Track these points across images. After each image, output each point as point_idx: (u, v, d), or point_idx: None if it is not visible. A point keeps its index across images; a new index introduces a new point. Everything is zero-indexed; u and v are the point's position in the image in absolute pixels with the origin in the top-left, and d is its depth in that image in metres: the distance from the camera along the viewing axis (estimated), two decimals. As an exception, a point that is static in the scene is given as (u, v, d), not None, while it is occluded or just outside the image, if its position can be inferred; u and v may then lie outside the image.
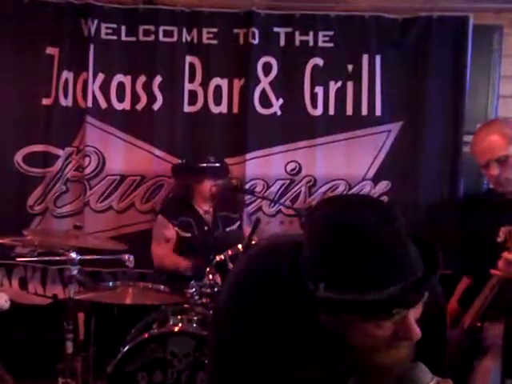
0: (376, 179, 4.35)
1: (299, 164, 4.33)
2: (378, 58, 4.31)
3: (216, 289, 3.25)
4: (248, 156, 4.27)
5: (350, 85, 4.32)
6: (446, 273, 3.07)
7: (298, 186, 4.34)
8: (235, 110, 4.31)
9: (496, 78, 4.44)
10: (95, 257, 3.47)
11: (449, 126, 4.33)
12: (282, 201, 4.31)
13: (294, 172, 4.34)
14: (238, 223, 4.07)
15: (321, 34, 4.28)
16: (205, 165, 3.93)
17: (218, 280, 3.29)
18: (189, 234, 3.91)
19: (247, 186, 4.27)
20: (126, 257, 3.40)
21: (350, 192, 4.33)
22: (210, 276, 3.27)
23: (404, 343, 1.32)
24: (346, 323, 1.28)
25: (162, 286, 3.56)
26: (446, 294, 3.03)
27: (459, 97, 4.32)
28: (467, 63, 4.31)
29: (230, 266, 3.23)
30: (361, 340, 1.30)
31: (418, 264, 1.30)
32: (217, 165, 3.96)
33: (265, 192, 4.31)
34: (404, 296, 1.26)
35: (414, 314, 1.31)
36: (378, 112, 4.32)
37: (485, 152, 2.65)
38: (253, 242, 3.40)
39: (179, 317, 3.30)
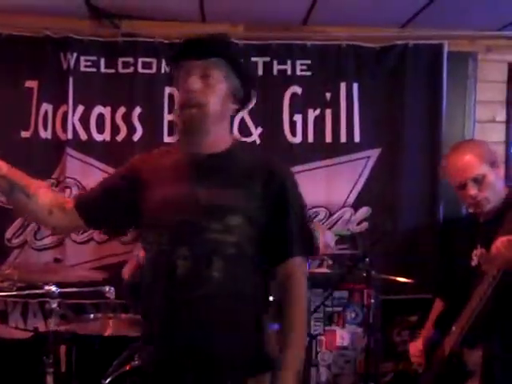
0: (356, 205, 4.39)
1: (280, 192, 4.34)
2: (355, 86, 4.38)
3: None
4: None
5: (328, 112, 4.37)
6: (426, 297, 3.12)
7: (279, 214, 4.35)
8: (215, 139, 4.32)
9: (472, 103, 4.52)
10: (75, 290, 3.45)
11: (426, 151, 4.38)
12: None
13: (277, 201, 4.34)
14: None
15: (298, 62, 4.34)
16: None
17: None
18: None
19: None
20: (107, 288, 3.39)
21: (331, 219, 4.37)
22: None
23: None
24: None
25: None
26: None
27: (436, 122, 4.39)
28: (443, 89, 4.39)
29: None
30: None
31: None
32: None
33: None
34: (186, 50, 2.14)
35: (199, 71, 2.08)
36: (357, 139, 4.38)
37: (460, 172, 2.63)
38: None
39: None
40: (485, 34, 4.52)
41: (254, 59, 4.32)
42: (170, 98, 4.30)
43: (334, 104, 4.37)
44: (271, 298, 3.35)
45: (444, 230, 4.27)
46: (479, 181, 2.60)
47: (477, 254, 2.68)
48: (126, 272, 3.86)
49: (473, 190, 2.60)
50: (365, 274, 3.56)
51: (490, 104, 4.59)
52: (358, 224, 4.40)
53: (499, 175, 2.68)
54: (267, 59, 4.33)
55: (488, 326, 2.53)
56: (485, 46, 4.56)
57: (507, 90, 4.59)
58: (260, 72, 4.34)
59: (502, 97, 4.61)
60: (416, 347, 2.97)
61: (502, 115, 4.61)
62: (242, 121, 4.32)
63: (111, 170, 4.24)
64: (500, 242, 2.35)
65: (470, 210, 2.84)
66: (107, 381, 3.11)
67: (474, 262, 2.68)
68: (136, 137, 4.28)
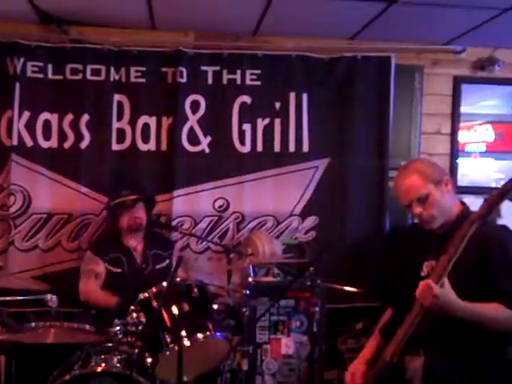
0: (304, 215, 4.43)
1: (227, 201, 4.37)
2: (304, 96, 4.43)
3: (140, 327, 3.21)
4: (176, 193, 4.29)
5: (277, 122, 4.41)
6: (372, 305, 3.15)
7: (226, 223, 4.38)
8: (163, 147, 4.34)
9: (418, 115, 4.60)
10: (15, 298, 3.39)
11: (374, 161, 4.45)
12: (210, 237, 4.34)
13: (222, 209, 4.38)
14: (168, 261, 4.05)
15: (248, 72, 4.38)
16: (118, 200, 3.93)
17: (143, 318, 3.24)
18: (119, 270, 3.88)
19: (174, 223, 4.28)
20: (49, 297, 3.33)
21: (278, 228, 4.40)
22: (134, 314, 3.23)
23: None
24: None
25: (88, 326, 3.48)
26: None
27: (383, 133, 4.47)
28: (390, 101, 4.47)
29: (155, 303, 3.21)
30: None
31: None
32: (129, 197, 3.95)
33: (192, 229, 4.33)
34: None
35: None
36: (306, 148, 4.42)
37: (405, 192, 2.66)
38: (177, 279, 3.41)
39: (102, 356, 3.26)
40: (431, 48, 4.62)
41: (203, 68, 4.35)
42: (118, 105, 4.29)
43: (283, 114, 4.41)
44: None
45: (391, 239, 4.33)
46: (423, 200, 2.63)
47: (427, 266, 2.73)
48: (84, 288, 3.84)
49: (417, 209, 2.64)
50: (309, 283, 3.58)
51: (436, 116, 4.69)
52: (306, 233, 4.44)
53: (447, 192, 2.70)
54: (217, 68, 4.35)
55: (429, 333, 2.56)
56: (431, 60, 4.67)
57: (452, 103, 4.69)
58: (210, 81, 4.36)
59: (448, 110, 4.71)
60: (350, 374, 2.97)
61: (447, 127, 4.71)
62: (191, 129, 4.33)
63: (58, 178, 4.24)
64: (420, 288, 2.41)
65: (421, 226, 2.88)
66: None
67: (423, 273, 2.72)
68: (83, 144, 4.25)
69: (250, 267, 3.85)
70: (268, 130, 4.40)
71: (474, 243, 2.36)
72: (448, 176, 2.71)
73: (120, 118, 4.29)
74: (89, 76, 4.24)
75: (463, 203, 2.76)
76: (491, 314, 2.43)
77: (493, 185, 4.82)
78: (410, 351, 2.61)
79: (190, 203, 4.33)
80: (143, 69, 4.29)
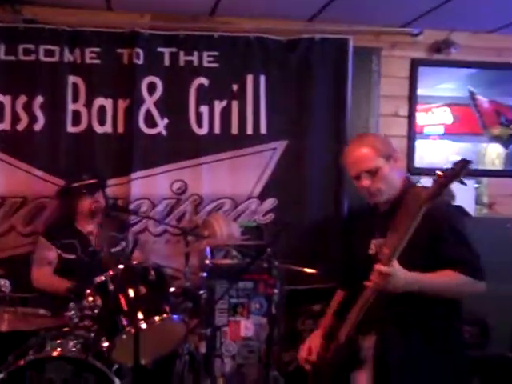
0: (262, 197, 4.43)
1: (185, 183, 4.35)
2: (262, 78, 4.41)
3: (96, 311, 3.18)
4: (133, 176, 4.26)
5: (234, 104, 4.39)
6: (331, 287, 3.18)
7: (183, 205, 4.37)
8: (120, 129, 4.29)
9: (376, 97, 4.62)
10: (-33, 283, 3.33)
11: (332, 143, 4.45)
12: (168, 220, 4.32)
13: (180, 191, 4.36)
14: (124, 243, 4.02)
15: (205, 54, 4.34)
16: (78, 184, 3.88)
17: (99, 302, 3.21)
18: (73, 256, 3.83)
19: (132, 206, 4.25)
20: (2, 282, 3.28)
21: (237, 210, 4.39)
22: (90, 298, 3.20)
23: None
24: None
25: (43, 310, 3.45)
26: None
27: (341, 116, 4.48)
28: (348, 83, 4.48)
29: (111, 287, 3.18)
30: None
31: None
32: (91, 181, 3.90)
33: (150, 212, 4.30)
34: None
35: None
36: (263, 130, 4.42)
37: (356, 164, 2.69)
38: (134, 262, 3.39)
39: (58, 341, 3.24)
40: (389, 30, 4.64)
41: (160, 49, 4.30)
42: (73, 86, 4.22)
43: (241, 96, 4.39)
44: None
45: (348, 220, 4.36)
46: (373, 173, 2.66)
47: (375, 243, 2.76)
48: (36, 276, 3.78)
49: (366, 182, 2.67)
50: (267, 265, 3.58)
51: (393, 99, 4.71)
52: (264, 215, 4.45)
53: (395, 168, 2.75)
54: (174, 50, 4.31)
55: (381, 313, 2.59)
56: (389, 42, 4.69)
57: (409, 85, 4.72)
58: (166, 63, 4.31)
59: (405, 92, 4.73)
60: (304, 350, 2.98)
61: (404, 110, 4.74)
62: (148, 112, 4.29)
63: (11, 160, 4.17)
64: (373, 277, 2.44)
65: (367, 200, 2.90)
66: (1, 376, 3.03)
67: (372, 251, 2.75)
68: (37, 126, 4.18)
69: (208, 249, 3.84)
70: (225, 112, 4.37)
71: (423, 221, 2.38)
72: (398, 153, 2.77)
73: (75, 99, 4.23)
74: (42, 57, 4.16)
75: (407, 178, 2.81)
76: (447, 281, 2.49)
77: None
78: (363, 331, 2.65)
79: (148, 186, 4.29)
80: (98, 50, 4.23)
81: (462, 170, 2.31)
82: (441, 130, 4.88)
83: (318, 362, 2.88)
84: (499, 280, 3.98)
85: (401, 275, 2.40)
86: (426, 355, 2.56)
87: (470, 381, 3.82)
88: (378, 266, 2.42)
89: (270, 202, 4.44)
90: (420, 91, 4.74)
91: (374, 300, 2.55)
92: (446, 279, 2.50)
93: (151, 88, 4.27)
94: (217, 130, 4.37)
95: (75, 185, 3.89)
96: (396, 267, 2.39)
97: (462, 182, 2.33)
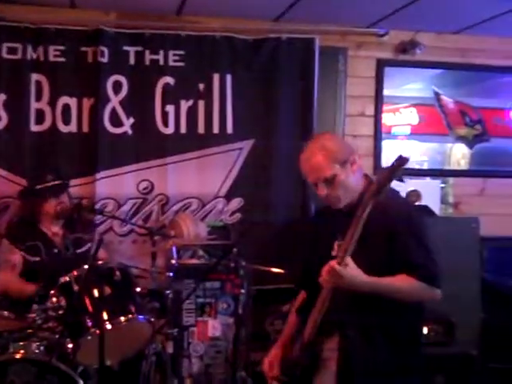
0: (229, 197, 4.43)
1: (151, 183, 4.32)
2: (228, 78, 4.40)
3: (61, 312, 3.13)
4: (98, 175, 4.21)
5: (201, 103, 4.37)
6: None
7: (150, 205, 4.34)
8: (85, 129, 4.24)
9: (342, 97, 4.64)
10: None
11: (298, 143, 4.38)
12: (134, 220, 4.28)
13: (146, 191, 4.33)
14: (89, 244, 3.96)
15: (171, 53, 4.31)
16: (43, 185, 3.81)
17: (63, 303, 3.16)
18: (37, 258, 3.74)
19: (97, 206, 4.19)
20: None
21: (203, 210, 4.37)
22: (54, 299, 3.15)
23: None
24: None
25: (6, 312, 3.38)
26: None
27: (308, 115, 4.49)
28: (314, 83, 4.48)
29: (76, 287, 3.14)
30: None
31: None
32: (56, 182, 3.84)
33: (116, 212, 4.25)
34: None
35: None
36: (230, 130, 4.40)
37: (311, 172, 2.62)
38: (99, 262, 3.35)
39: (21, 343, 3.17)
40: (355, 31, 4.66)
41: (125, 48, 4.26)
42: (37, 84, 4.16)
43: (207, 95, 4.37)
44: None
45: (314, 220, 4.35)
46: (329, 181, 2.60)
47: (337, 244, 2.74)
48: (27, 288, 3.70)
49: (322, 191, 2.61)
50: (233, 265, 3.56)
51: (360, 99, 4.74)
52: (231, 215, 4.44)
53: (352, 172, 2.65)
54: (139, 48, 4.27)
55: (344, 315, 2.59)
56: (355, 42, 4.71)
57: (376, 85, 4.75)
58: (132, 61, 4.28)
59: (371, 92, 4.76)
60: (268, 362, 2.97)
61: (370, 110, 4.77)
62: (113, 111, 4.24)
63: (-26, 159, 4.08)
64: (323, 272, 2.43)
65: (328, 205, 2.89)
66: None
67: (334, 253, 2.73)
68: (0, 125, 4.12)
69: (174, 249, 3.81)
70: (192, 112, 4.35)
71: (380, 218, 2.39)
72: (356, 154, 2.67)
73: (39, 98, 4.16)
74: (5, 54, 4.10)
75: (368, 178, 2.76)
76: (401, 286, 2.45)
77: (416, 167, 4.92)
78: (325, 332, 2.63)
79: (114, 185, 4.25)
80: (62, 48, 4.17)
81: (399, 167, 2.28)
82: (408, 130, 4.91)
83: (283, 365, 2.87)
84: (464, 279, 4.06)
85: (353, 273, 2.37)
86: (390, 359, 2.55)
87: (433, 379, 3.90)
88: (331, 263, 2.41)
89: (237, 202, 4.43)
90: (387, 91, 4.78)
91: (332, 301, 2.53)
92: (400, 284, 2.45)
93: (116, 87, 4.23)
94: (183, 129, 4.34)
95: (39, 187, 3.82)
96: (350, 265, 2.37)
97: (401, 180, 2.31)
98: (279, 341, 2.92)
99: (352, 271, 2.38)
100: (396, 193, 2.66)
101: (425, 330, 3.90)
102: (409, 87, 4.98)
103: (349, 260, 2.37)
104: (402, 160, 2.28)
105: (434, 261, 2.51)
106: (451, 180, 4.93)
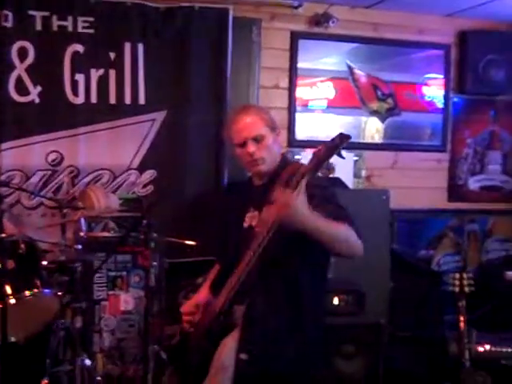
0: (141, 168, 4.36)
1: (61, 154, 4.20)
2: (140, 47, 4.30)
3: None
4: (4, 146, 4.06)
5: (112, 73, 4.26)
6: (212, 259, 3.16)
7: (60, 177, 4.22)
8: (-13, 97, 4.06)
9: (256, 69, 4.62)
10: None
11: (212, 115, 4.43)
12: (43, 192, 4.15)
13: (56, 162, 4.20)
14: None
15: (80, 19, 4.17)
16: None
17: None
18: None
19: (3, 178, 4.04)
20: None
21: (115, 182, 4.29)
22: None
23: None
24: None
25: None
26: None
27: (221, 86, 4.44)
28: (228, 54, 4.44)
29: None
30: None
31: None
32: None
33: (23, 184, 4.12)
34: None
35: None
36: (142, 101, 4.32)
37: (242, 130, 2.73)
38: (2, 235, 3.23)
39: None
40: (269, 2, 4.64)
41: (31, 13, 4.07)
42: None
43: (119, 64, 4.26)
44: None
45: (228, 193, 4.36)
46: (258, 140, 2.72)
47: (249, 217, 2.78)
48: None
49: (252, 148, 2.71)
50: (143, 237, 3.51)
51: (274, 70, 4.73)
52: (144, 187, 4.37)
53: (277, 141, 2.82)
54: (46, 14, 4.10)
55: (254, 283, 2.62)
56: (269, 14, 4.68)
57: (290, 57, 4.75)
58: (38, 27, 4.10)
59: (286, 64, 4.76)
60: (187, 307, 3.00)
61: (284, 82, 4.77)
62: (19, 79, 4.08)
63: None
64: (280, 195, 2.41)
65: (248, 171, 2.92)
66: None
67: (246, 224, 2.79)
68: None
69: (82, 221, 3.72)
70: (102, 81, 4.23)
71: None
72: (279, 129, 2.87)
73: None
74: None
75: (284, 154, 2.91)
76: (338, 227, 2.46)
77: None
78: (237, 301, 2.68)
79: (21, 157, 4.10)
80: (-38, 11, 3.97)
81: (340, 144, 2.32)
82: (324, 104, 4.93)
83: (193, 332, 2.89)
84: (374, 250, 4.15)
85: (303, 203, 2.35)
86: (292, 328, 2.62)
87: (343, 349, 3.99)
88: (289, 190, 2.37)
89: (150, 174, 4.36)
90: (303, 64, 4.78)
91: (249, 271, 2.56)
92: (337, 225, 2.45)
93: (22, 53, 4.06)
94: (93, 99, 4.22)
95: None
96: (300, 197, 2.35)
97: (341, 156, 2.35)
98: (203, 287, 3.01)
99: (303, 200, 2.35)
100: None
101: (335, 301, 4.00)
102: (325, 61, 4.98)
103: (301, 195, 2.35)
104: (342, 138, 2.32)
105: (354, 220, 2.56)
106: (364, 153, 5.00)
